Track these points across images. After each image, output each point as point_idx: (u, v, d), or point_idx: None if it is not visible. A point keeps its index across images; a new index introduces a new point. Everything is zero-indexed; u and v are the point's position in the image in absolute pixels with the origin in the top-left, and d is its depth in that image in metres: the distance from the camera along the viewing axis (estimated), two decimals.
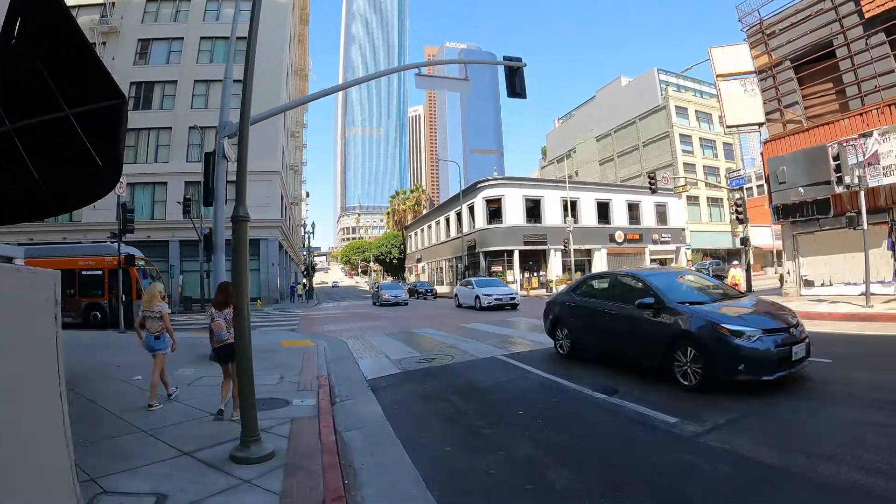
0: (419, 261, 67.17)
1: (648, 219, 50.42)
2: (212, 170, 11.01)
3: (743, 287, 19.81)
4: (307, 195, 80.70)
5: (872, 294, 14.92)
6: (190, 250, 33.64)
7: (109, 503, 4.04)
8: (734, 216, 24.77)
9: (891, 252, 16.64)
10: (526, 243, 43.91)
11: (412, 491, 4.37)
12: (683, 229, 52.23)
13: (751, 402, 6.27)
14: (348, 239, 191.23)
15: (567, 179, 46.19)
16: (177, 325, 8.11)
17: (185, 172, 34.71)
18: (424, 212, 75.35)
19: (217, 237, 11.25)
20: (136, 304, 20.52)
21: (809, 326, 12.69)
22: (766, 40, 20.07)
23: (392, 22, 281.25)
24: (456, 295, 29.41)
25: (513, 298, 25.02)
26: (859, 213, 15.18)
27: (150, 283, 8.69)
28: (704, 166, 55.84)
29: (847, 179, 15.21)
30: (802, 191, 18.19)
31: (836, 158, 15.49)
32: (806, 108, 19.36)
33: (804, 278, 19.34)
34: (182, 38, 38.36)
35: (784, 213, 19.38)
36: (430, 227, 62.67)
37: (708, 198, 56.16)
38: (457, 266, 50.65)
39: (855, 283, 17.48)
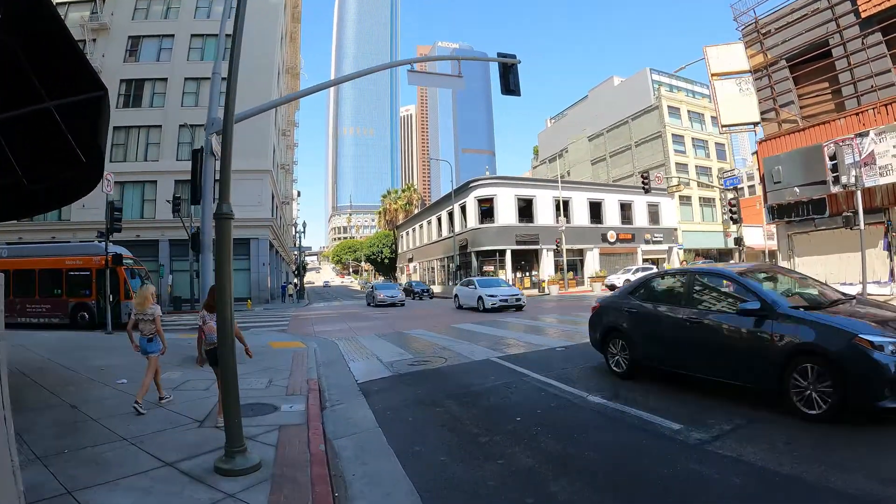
0: (411, 260, 66.92)
1: (641, 219, 50.39)
2: (199, 167, 10.70)
3: None
4: (298, 194, 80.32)
5: (869, 294, 14.81)
6: (180, 250, 33.21)
7: None
8: (728, 216, 24.68)
9: (887, 252, 16.58)
10: (518, 243, 43.75)
11: None
12: (676, 229, 52.25)
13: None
14: (340, 238, 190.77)
15: (559, 179, 46.10)
16: (166, 326, 7.84)
17: (175, 171, 34.24)
18: (416, 211, 75.03)
19: (205, 236, 10.94)
20: (124, 304, 20.29)
21: None
22: (762, 39, 19.96)
23: (384, 22, 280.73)
24: (456, 296, 28.14)
25: (518, 299, 23.81)
26: (856, 212, 15.09)
27: (143, 285, 8.44)
28: (696, 166, 55.85)
29: (844, 179, 15.13)
30: (798, 191, 18.09)
31: (832, 158, 15.40)
32: (801, 107, 19.26)
33: None
34: (173, 36, 37.97)
35: (779, 213, 19.28)
36: (421, 226, 62.41)
37: (700, 198, 56.19)
38: (448, 266, 50.47)
39: (851, 284, 17.34)
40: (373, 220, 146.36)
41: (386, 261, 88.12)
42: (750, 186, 76.14)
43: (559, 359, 10.24)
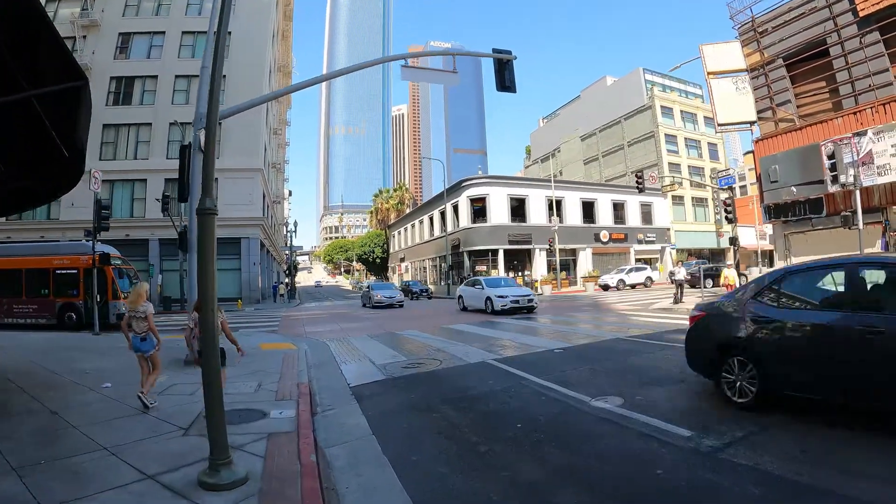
0: (402, 260, 66.62)
1: (633, 218, 50.34)
2: (187, 163, 10.37)
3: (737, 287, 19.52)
4: (290, 194, 79.75)
5: None
6: (170, 249, 32.67)
7: None
8: (724, 216, 24.54)
9: (884, 252, 16.44)
10: (511, 242, 43.52)
11: None
12: (668, 229, 52.27)
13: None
14: (331, 238, 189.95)
15: (552, 178, 45.94)
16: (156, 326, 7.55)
17: (165, 169, 33.65)
18: (408, 211, 74.69)
19: (192, 234, 10.59)
20: (112, 304, 19.92)
21: None
22: (759, 38, 19.82)
23: (376, 21, 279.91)
24: (460, 297, 26.32)
25: (530, 300, 21.92)
26: (854, 212, 14.95)
27: (137, 283, 8.23)
28: (689, 166, 55.91)
29: (842, 178, 14.97)
30: (795, 190, 17.95)
31: (831, 157, 15.24)
32: (798, 106, 19.14)
33: None
34: (163, 33, 37.52)
35: (776, 212, 19.15)
36: (413, 226, 62.11)
37: (693, 198, 56.26)
38: (440, 265, 50.25)
39: None
40: (364, 220, 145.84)
41: (377, 260, 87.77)
42: (741, 187, 76.29)
43: (557, 361, 9.98)
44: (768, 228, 41.49)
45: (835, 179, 15.22)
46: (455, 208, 46.80)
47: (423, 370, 9.72)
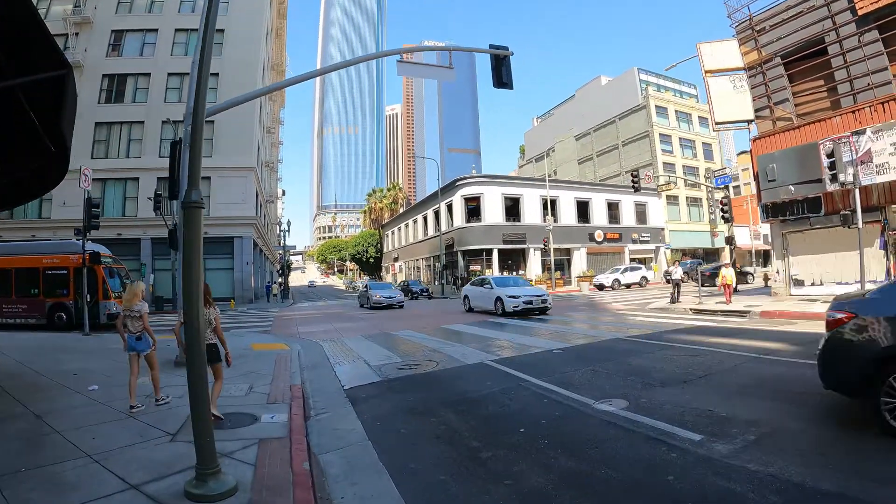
0: (396, 260, 66.39)
1: (628, 218, 50.30)
2: (178, 159, 10.10)
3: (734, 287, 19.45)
4: (283, 193, 79.35)
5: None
6: (162, 248, 32.36)
7: None
8: (720, 215, 24.41)
9: (883, 251, 16.36)
10: (505, 242, 43.37)
11: None
12: (663, 229, 52.26)
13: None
14: (324, 238, 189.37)
15: (547, 178, 45.80)
16: None
17: (157, 168, 33.23)
18: (402, 210, 74.43)
19: (181, 231, 10.34)
20: (103, 304, 19.63)
21: (811, 327, 12.33)
22: (756, 36, 19.68)
23: (371, 20, 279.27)
24: (465, 297, 24.57)
25: (544, 300, 20.26)
26: (854, 211, 14.84)
27: (133, 282, 8.09)
28: (684, 166, 55.94)
29: (841, 177, 14.85)
30: (793, 189, 17.83)
31: (830, 156, 15.12)
32: (796, 105, 19.01)
33: (794, 278, 19.00)
34: (156, 30, 37.14)
35: (774, 211, 19.02)
36: (407, 225, 61.89)
37: (687, 197, 56.30)
38: (434, 265, 50.06)
39: (846, 283, 17.15)
40: (358, 220, 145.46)
41: (371, 260, 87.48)
42: (735, 187, 76.48)
43: (557, 362, 9.78)
44: (763, 228, 41.59)
45: (834, 178, 15.09)
46: (449, 208, 46.61)
47: (419, 371, 9.51)
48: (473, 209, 44.31)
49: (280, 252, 56.32)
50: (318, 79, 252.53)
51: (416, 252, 57.34)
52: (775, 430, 5.23)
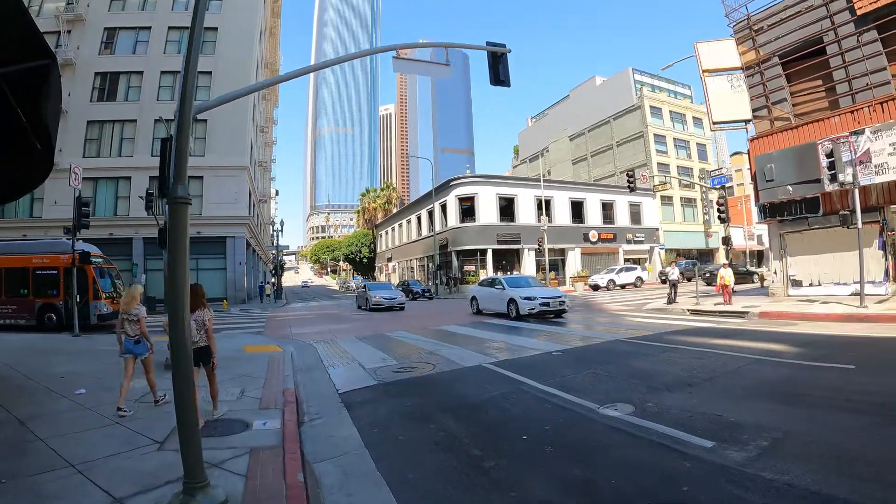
0: (390, 260, 66.13)
1: (622, 218, 50.23)
2: (168, 156, 9.84)
3: (732, 287, 19.34)
4: (276, 193, 78.89)
5: (866, 294, 14.47)
6: (154, 248, 31.73)
7: None
8: (717, 215, 24.33)
9: (881, 252, 16.27)
10: (499, 242, 43.18)
11: None
12: (657, 229, 52.24)
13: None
14: (318, 238, 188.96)
15: (541, 178, 45.68)
16: None
17: (149, 167, 32.80)
18: (395, 210, 74.14)
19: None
20: (93, 304, 19.32)
21: (812, 328, 12.20)
22: (754, 36, 19.56)
23: (365, 20, 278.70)
24: (473, 298, 23.02)
25: (562, 302, 18.86)
26: (853, 211, 14.73)
27: (131, 286, 7.94)
28: (678, 167, 55.98)
29: (841, 177, 14.75)
30: (791, 189, 17.72)
31: (829, 156, 15.02)
32: (794, 105, 18.91)
33: (792, 278, 18.90)
34: (149, 28, 36.65)
35: (771, 211, 18.91)
36: (401, 225, 61.60)
37: (681, 198, 56.34)
38: (428, 265, 49.84)
39: (845, 283, 17.07)
40: (351, 220, 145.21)
41: (365, 260, 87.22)
42: (728, 187, 76.55)
43: (557, 365, 9.58)
44: (760, 229, 41.59)
45: (833, 178, 14.99)
46: (443, 208, 46.38)
47: (416, 374, 9.29)
48: (468, 209, 44.10)
49: (273, 252, 55.90)
50: (311, 78, 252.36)
51: (410, 252, 57.06)
52: (787, 436, 5.06)
